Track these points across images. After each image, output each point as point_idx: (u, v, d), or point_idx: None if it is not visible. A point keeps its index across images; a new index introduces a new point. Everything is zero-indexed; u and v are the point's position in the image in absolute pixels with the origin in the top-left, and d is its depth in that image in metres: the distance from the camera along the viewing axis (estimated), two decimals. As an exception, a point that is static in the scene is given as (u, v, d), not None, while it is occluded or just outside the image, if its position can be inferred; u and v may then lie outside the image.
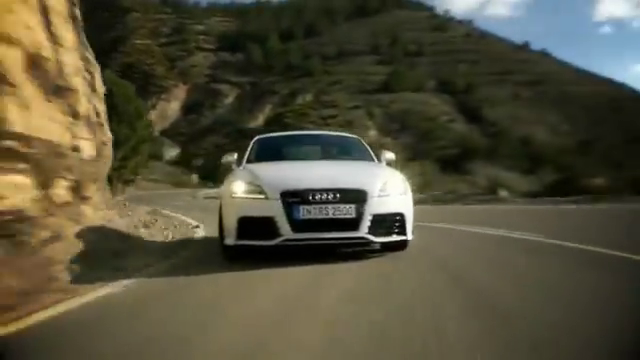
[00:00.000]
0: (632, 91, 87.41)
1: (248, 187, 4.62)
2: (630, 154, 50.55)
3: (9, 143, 4.22)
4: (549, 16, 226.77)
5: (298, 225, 4.33)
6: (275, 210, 4.36)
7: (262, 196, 4.48)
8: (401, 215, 4.66)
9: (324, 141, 6.96)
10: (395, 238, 4.66)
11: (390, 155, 5.93)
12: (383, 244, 4.76)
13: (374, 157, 5.99)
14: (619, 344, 2.27)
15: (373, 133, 72.58)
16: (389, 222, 4.59)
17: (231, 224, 4.57)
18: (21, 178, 4.45)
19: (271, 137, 6.82)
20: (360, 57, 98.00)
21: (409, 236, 4.76)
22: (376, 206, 4.48)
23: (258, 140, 6.36)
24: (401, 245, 4.90)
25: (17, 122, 4.16)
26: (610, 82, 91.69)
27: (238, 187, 4.66)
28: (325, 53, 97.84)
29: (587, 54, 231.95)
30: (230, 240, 4.59)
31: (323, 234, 4.39)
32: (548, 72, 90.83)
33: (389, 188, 4.67)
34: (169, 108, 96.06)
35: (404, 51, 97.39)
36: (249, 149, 6.09)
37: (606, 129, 68.27)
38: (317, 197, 4.36)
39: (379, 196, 4.54)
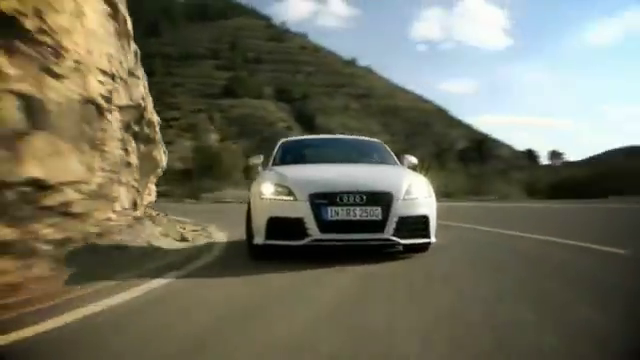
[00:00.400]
0: (439, 108, 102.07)
1: (277, 189, 4.72)
2: (436, 164, 60.33)
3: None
4: (374, 31, 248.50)
5: (326, 226, 4.46)
6: (304, 211, 4.49)
7: (291, 197, 4.60)
8: (425, 217, 4.75)
9: (348, 145, 7.04)
10: (419, 240, 4.76)
11: (412, 159, 6.06)
12: (407, 246, 4.84)
13: (397, 161, 6.12)
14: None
15: (214, 137, 75.56)
16: (414, 224, 4.68)
17: (260, 224, 4.68)
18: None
19: (296, 140, 7.05)
20: (202, 61, 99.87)
21: (432, 238, 4.84)
22: (402, 208, 4.60)
23: (283, 143, 6.55)
24: (424, 247, 5.00)
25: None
26: (422, 98, 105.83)
27: (267, 189, 4.76)
28: (167, 54, 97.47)
29: (405, 70, 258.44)
30: (259, 239, 4.70)
31: (350, 235, 4.54)
32: (373, 87, 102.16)
33: (414, 191, 4.78)
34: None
35: (244, 58, 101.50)
36: (274, 152, 6.26)
37: (419, 140, 79.63)
38: (345, 199, 4.50)
39: (404, 199, 4.65)
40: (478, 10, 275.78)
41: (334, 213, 4.47)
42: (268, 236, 4.64)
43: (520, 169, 54.51)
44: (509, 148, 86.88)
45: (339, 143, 7.12)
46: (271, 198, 4.69)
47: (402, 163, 6.00)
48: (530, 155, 78.03)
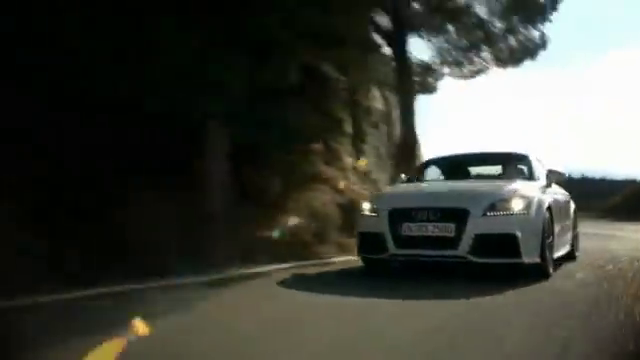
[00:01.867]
0: None
1: (370, 205, 5.13)
2: None
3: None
4: None
5: (401, 241, 4.65)
6: (383, 227, 4.74)
7: (376, 214, 4.94)
8: (511, 236, 4.41)
9: (485, 160, 6.83)
10: (502, 260, 4.50)
11: (560, 172, 5.77)
12: (488, 265, 4.52)
13: (536, 175, 5.64)
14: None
15: None
16: (495, 243, 4.43)
17: (357, 238, 5.25)
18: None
19: (438, 158, 6.91)
20: None
21: (525, 258, 4.45)
22: (480, 225, 4.43)
23: (426, 161, 6.94)
24: (535, 268, 4.60)
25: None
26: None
27: (366, 204, 5.21)
28: None
29: None
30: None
31: (424, 251, 4.64)
32: None
33: (506, 207, 4.53)
34: None
35: None
36: (416, 169, 6.70)
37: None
38: (419, 215, 4.61)
39: (484, 215, 4.47)
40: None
41: (408, 229, 4.64)
42: (360, 249, 5.21)
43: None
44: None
45: (477, 159, 6.94)
46: (365, 214, 5.15)
47: (548, 177, 5.63)
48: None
